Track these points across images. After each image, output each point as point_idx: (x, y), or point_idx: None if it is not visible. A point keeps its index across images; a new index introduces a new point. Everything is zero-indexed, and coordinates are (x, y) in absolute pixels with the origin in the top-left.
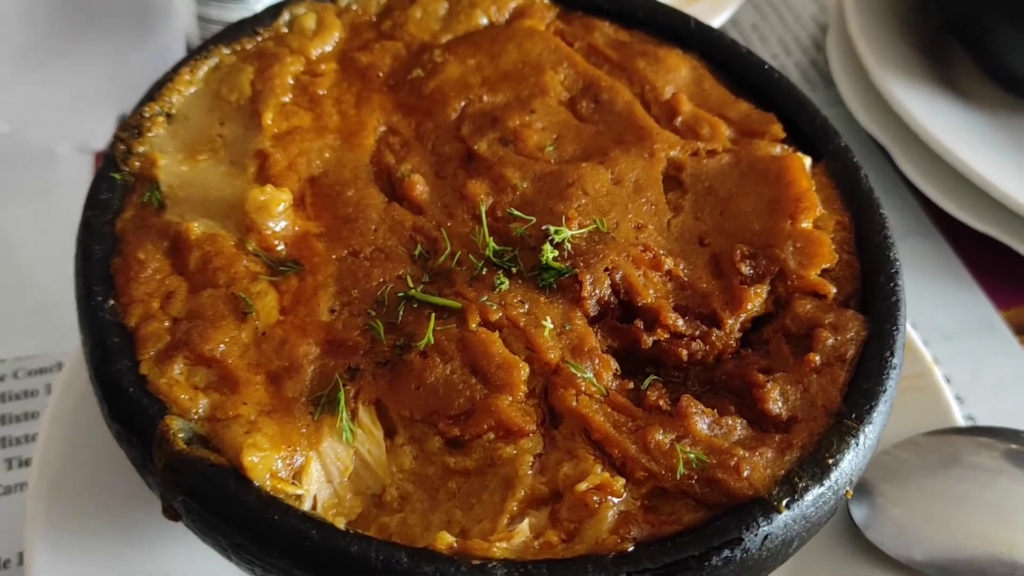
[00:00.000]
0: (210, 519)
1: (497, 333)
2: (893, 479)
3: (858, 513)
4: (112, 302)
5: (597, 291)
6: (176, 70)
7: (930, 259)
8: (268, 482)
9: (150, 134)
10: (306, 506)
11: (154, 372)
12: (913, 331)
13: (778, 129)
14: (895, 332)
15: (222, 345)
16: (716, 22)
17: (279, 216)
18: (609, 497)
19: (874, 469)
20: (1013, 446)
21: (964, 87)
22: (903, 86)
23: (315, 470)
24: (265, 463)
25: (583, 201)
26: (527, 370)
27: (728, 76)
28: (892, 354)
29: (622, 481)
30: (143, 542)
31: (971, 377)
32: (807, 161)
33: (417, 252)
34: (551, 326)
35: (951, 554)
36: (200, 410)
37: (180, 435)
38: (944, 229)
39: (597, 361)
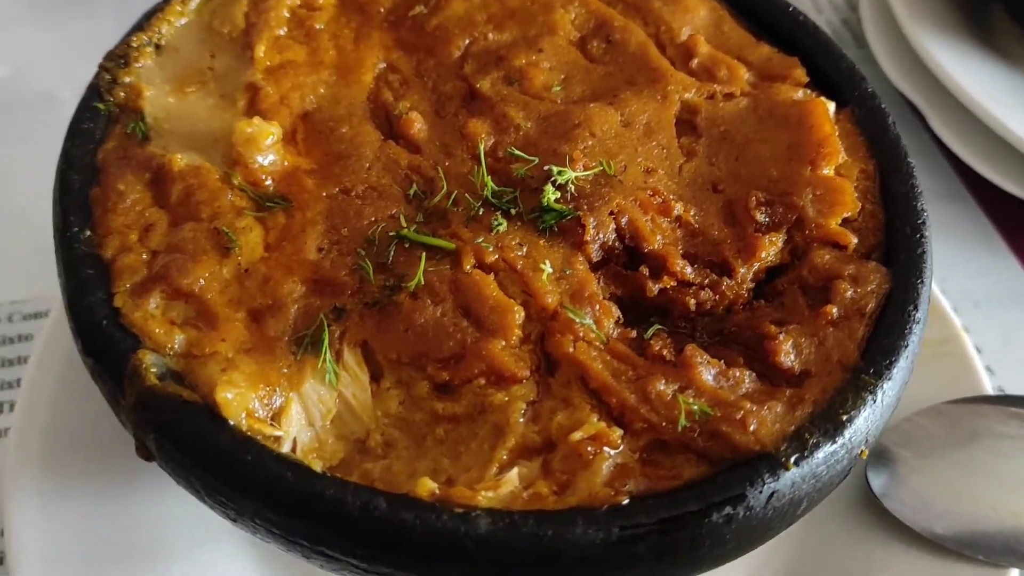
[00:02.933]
0: (181, 458)
1: (492, 276)
2: (915, 447)
3: (876, 482)
4: (88, 233)
5: (601, 235)
6: (167, 0)
7: (962, 224)
8: (244, 421)
9: (137, 64)
10: (285, 448)
11: (128, 305)
12: (941, 296)
13: (801, 73)
14: (919, 285)
15: (201, 280)
16: None
17: (267, 150)
18: (605, 448)
19: (895, 436)
20: None
21: (1003, 46)
22: (938, 44)
23: (295, 412)
24: (240, 401)
25: (590, 143)
26: (522, 314)
27: (749, 19)
28: (916, 308)
29: (619, 432)
30: (134, 492)
31: (1002, 347)
32: (831, 106)
33: (412, 192)
34: (550, 270)
35: (974, 527)
36: (176, 346)
37: (152, 370)
38: (977, 193)
39: (598, 307)
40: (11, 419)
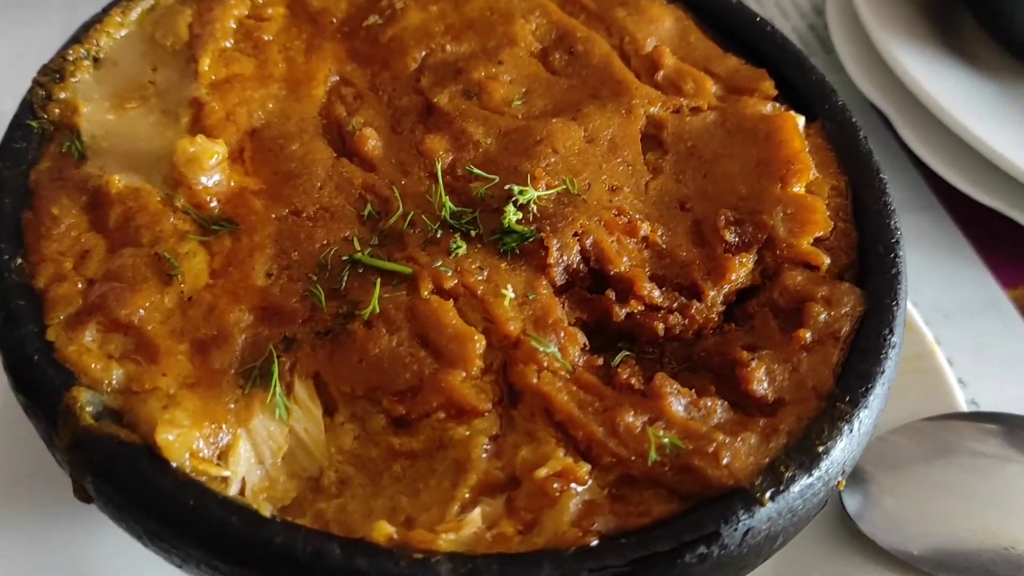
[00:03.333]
0: (121, 502)
1: (451, 302)
2: (890, 467)
3: (852, 503)
4: (20, 260)
5: (565, 257)
6: (106, 11)
7: (932, 234)
8: (187, 462)
9: (73, 79)
10: (233, 489)
11: (62, 338)
12: (913, 309)
13: (769, 86)
14: (895, 308)
15: (141, 310)
16: None
17: (212, 170)
18: (572, 485)
19: (869, 456)
20: (1021, 434)
21: (971, 53)
22: (907, 51)
23: (244, 450)
24: (183, 441)
25: (552, 160)
26: (483, 343)
27: (716, 30)
28: (891, 332)
29: (587, 467)
30: (68, 528)
31: (974, 359)
32: (800, 120)
33: (367, 212)
34: (512, 295)
35: (951, 548)
36: (114, 381)
37: (88, 408)
38: (947, 202)
39: (562, 334)
40: None
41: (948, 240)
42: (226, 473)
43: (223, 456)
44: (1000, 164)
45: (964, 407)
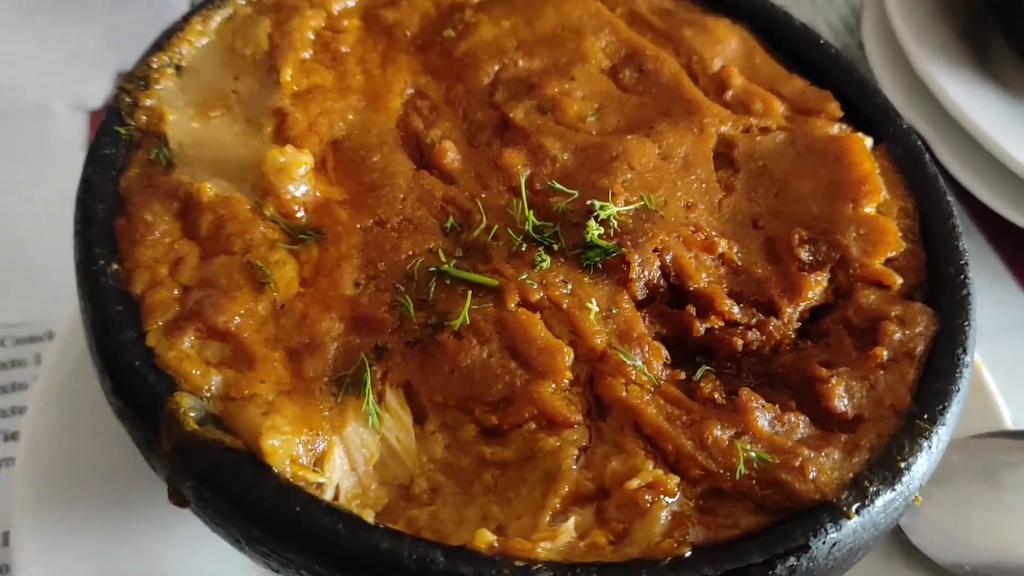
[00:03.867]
0: (223, 508)
1: (538, 314)
2: (940, 482)
3: (904, 516)
4: (116, 267)
5: (646, 273)
6: (187, 19)
7: (969, 256)
8: (288, 469)
9: (158, 87)
10: (328, 496)
11: (162, 344)
12: None
13: (835, 108)
14: (967, 327)
15: (237, 317)
16: None
17: (300, 180)
18: (662, 496)
19: None
20: None
21: (1006, 76)
22: (945, 72)
23: (338, 457)
24: (286, 448)
25: (629, 176)
26: (572, 355)
27: (779, 50)
28: (964, 351)
29: (676, 479)
30: (139, 528)
31: (1010, 379)
32: (868, 142)
33: (449, 224)
34: (596, 309)
35: (999, 563)
36: (213, 388)
37: (191, 414)
38: (982, 223)
39: (647, 348)
40: (7, 449)
41: (983, 260)
42: (322, 479)
43: (319, 463)
44: None
45: (1011, 425)
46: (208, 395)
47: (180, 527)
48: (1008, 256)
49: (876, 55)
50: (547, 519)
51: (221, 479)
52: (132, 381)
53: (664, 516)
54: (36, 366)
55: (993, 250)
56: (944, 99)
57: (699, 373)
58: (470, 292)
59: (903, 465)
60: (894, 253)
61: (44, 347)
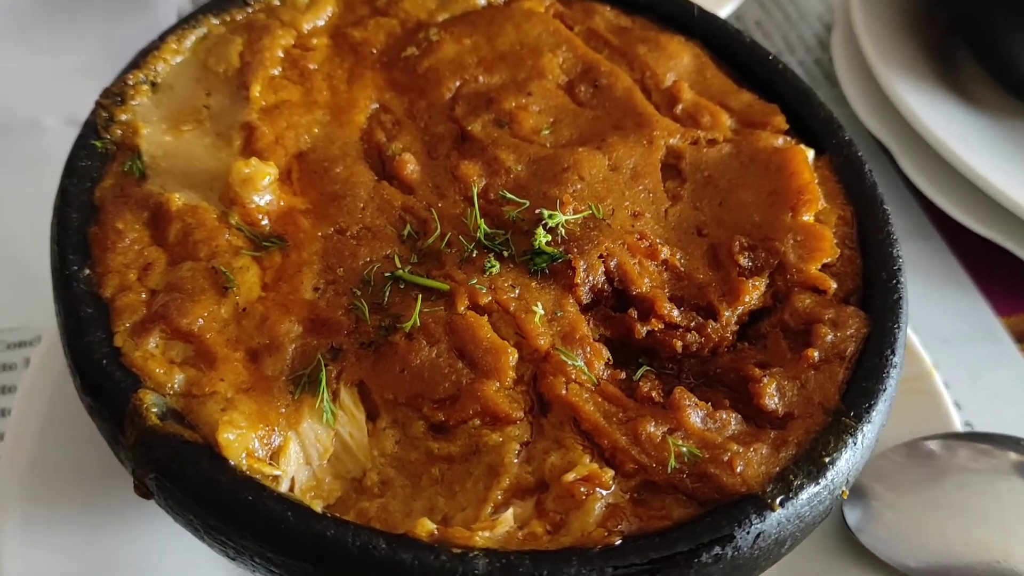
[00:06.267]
0: (182, 498)
1: (486, 317)
2: (889, 482)
3: (852, 516)
4: (88, 272)
5: (591, 278)
6: (162, 38)
7: (930, 263)
8: (244, 461)
9: (133, 102)
10: (283, 488)
11: (128, 344)
12: (913, 334)
13: (781, 121)
14: (896, 330)
15: (200, 319)
16: (720, 15)
17: (264, 190)
18: (597, 489)
19: (870, 472)
20: (1012, 454)
21: (970, 90)
22: (908, 87)
23: (294, 451)
24: (241, 441)
25: (579, 186)
26: (516, 356)
27: (731, 66)
28: (893, 352)
29: (611, 473)
30: (119, 523)
31: (969, 383)
32: (810, 153)
33: (406, 232)
34: (542, 312)
35: (946, 561)
36: (175, 385)
37: (153, 410)
38: (946, 233)
39: (588, 349)
40: None
41: (946, 269)
42: (277, 472)
43: (275, 456)
44: (996, 197)
45: (960, 427)
46: (171, 392)
47: (161, 522)
48: (971, 266)
49: (844, 70)
50: (489, 510)
51: (180, 471)
52: (100, 379)
53: (599, 507)
54: (26, 370)
55: (957, 260)
56: (908, 113)
57: (639, 373)
58: (421, 296)
59: (827, 460)
60: (830, 259)
61: (34, 351)
